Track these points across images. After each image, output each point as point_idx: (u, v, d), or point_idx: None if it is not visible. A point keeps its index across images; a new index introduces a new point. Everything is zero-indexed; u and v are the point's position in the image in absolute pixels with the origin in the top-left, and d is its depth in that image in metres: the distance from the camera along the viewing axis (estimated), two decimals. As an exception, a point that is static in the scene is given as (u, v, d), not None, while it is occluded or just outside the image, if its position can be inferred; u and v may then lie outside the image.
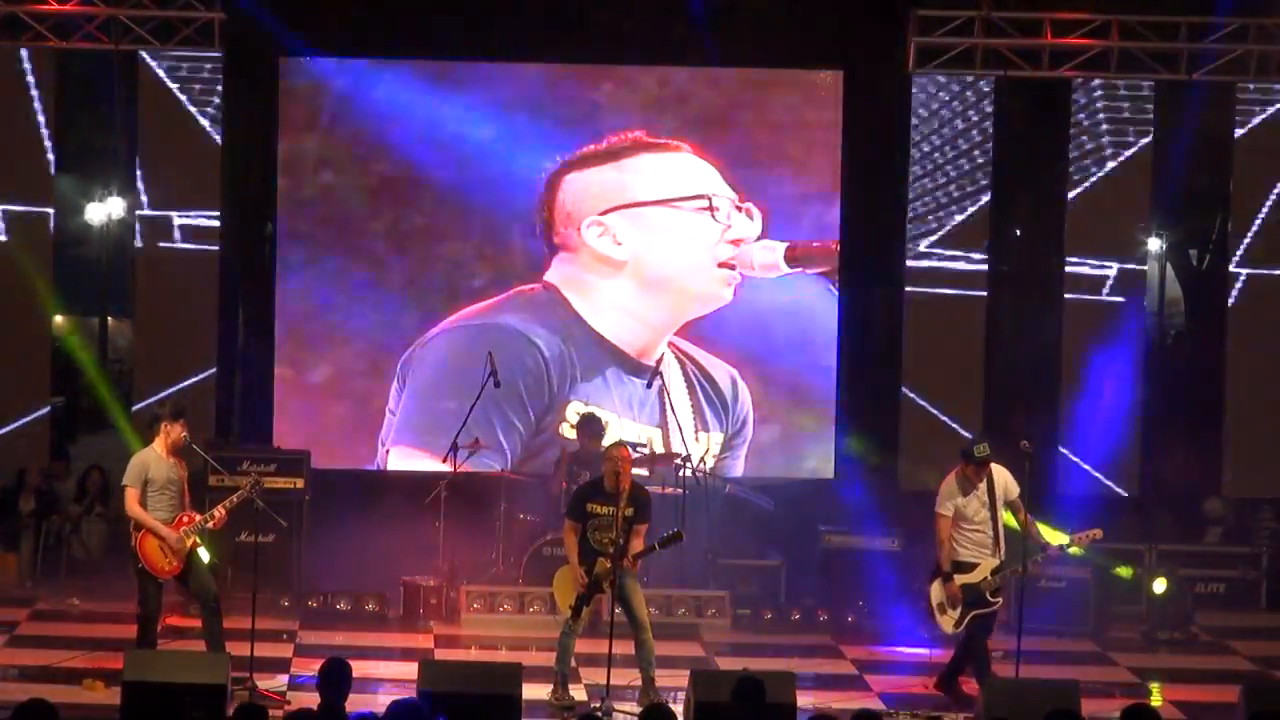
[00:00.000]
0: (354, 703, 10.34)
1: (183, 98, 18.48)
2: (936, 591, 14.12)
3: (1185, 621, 17.35)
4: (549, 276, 18.70)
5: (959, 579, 14.00)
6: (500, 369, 17.50)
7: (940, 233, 19.37)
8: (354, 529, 17.46)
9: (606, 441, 16.82)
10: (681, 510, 16.77)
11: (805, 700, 12.91)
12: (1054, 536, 14.12)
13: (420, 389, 18.54)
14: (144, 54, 18.44)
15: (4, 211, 18.42)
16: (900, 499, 18.26)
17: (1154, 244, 19.50)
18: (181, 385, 18.07)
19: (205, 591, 14.06)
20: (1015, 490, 14.11)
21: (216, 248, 18.66)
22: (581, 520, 14.07)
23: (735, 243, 18.62)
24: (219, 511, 14.08)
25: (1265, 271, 19.52)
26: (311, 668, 12.44)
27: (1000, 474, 14.07)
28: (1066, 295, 19.26)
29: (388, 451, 18.56)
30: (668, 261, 18.67)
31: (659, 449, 18.39)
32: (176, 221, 18.51)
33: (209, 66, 18.47)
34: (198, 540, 14.06)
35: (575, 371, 18.63)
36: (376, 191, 18.76)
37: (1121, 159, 19.34)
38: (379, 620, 16.90)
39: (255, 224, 18.81)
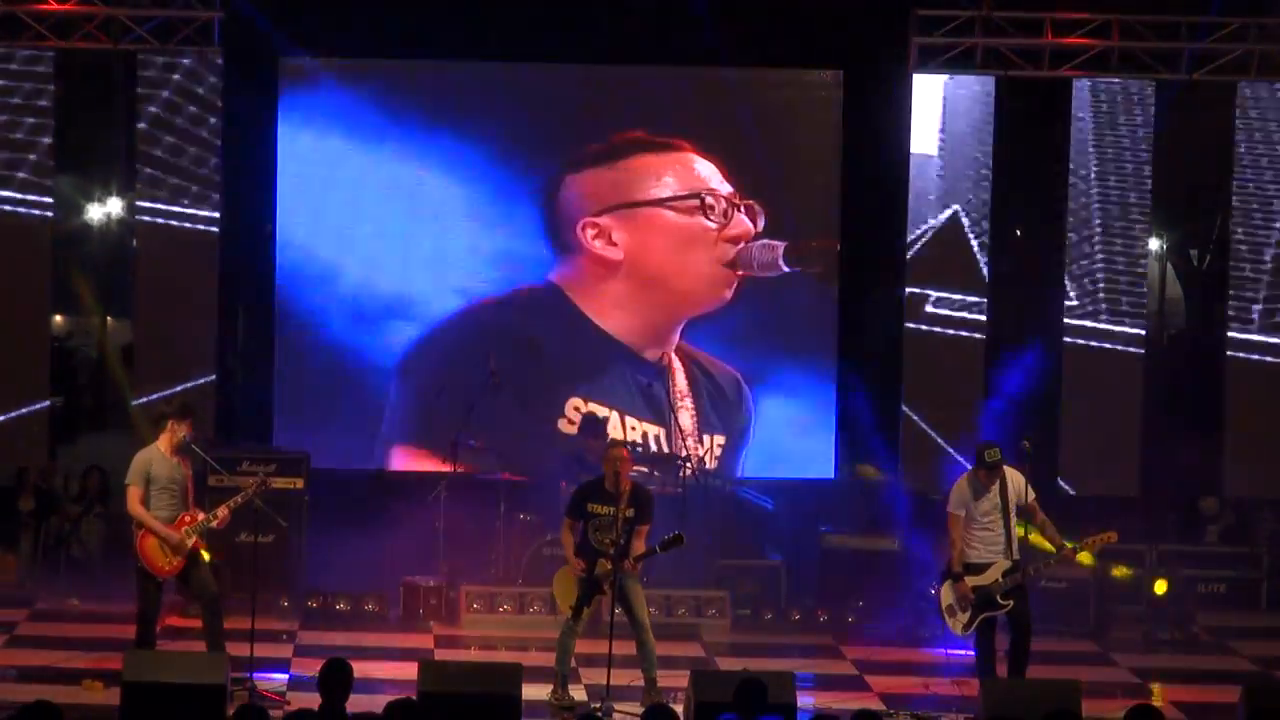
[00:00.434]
0: (354, 703, 10.33)
1: (182, 98, 18.45)
2: (947, 593, 14.08)
3: (1186, 621, 17.35)
4: (552, 276, 18.72)
5: (970, 580, 13.95)
6: (500, 369, 17.50)
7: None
8: (354, 529, 17.45)
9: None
10: (682, 510, 16.76)
11: (805, 700, 12.90)
12: (1067, 540, 14.07)
13: (420, 389, 18.54)
14: (143, 53, 18.42)
15: (4, 211, 18.38)
16: (900, 499, 18.26)
17: (1154, 244, 19.50)
18: (181, 385, 18.03)
19: (205, 592, 14.05)
20: (1030, 494, 14.07)
21: (216, 247, 18.64)
22: (581, 519, 14.07)
23: (734, 241, 18.63)
24: (222, 511, 14.06)
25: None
26: (311, 668, 12.42)
27: (1014, 477, 14.02)
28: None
29: (389, 453, 18.55)
30: (662, 261, 18.68)
31: (662, 448, 18.40)
32: (176, 221, 18.49)
33: (209, 66, 18.43)
34: (200, 540, 14.06)
35: (577, 370, 18.64)
36: (375, 192, 18.76)
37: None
38: (379, 620, 16.90)
39: (254, 223, 18.80)
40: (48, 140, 18.46)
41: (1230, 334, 19.26)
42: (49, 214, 18.57)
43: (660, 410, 18.56)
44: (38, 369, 18.81)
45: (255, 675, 13.82)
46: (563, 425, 18.53)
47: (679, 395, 18.62)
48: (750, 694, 10.51)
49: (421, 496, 17.47)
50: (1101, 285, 19.14)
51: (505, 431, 18.22)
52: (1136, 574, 17.56)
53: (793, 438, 18.99)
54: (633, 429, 18.52)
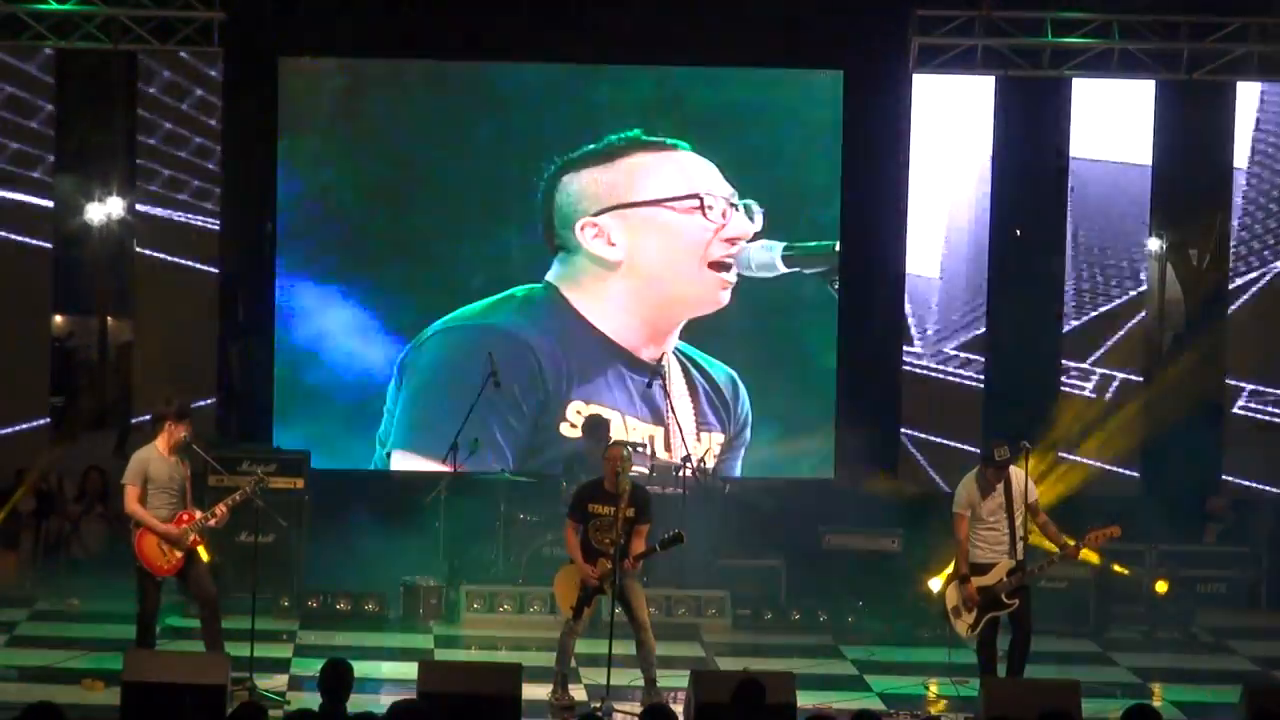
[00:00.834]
0: (354, 703, 10.33)
1: (182, 98, 18.45)
2: (953, 594, 14.06)
3: (1186, 621, 17.36)
4: (549, 276, 18.71)
5: (975, 581, 13.93)
6: (499, 369, 17.51)
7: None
8: (354, 529, 17.46)
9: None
10: (682, 510, 16.76)
11: (805, 700, 12.90)
12: (1070, 538, 14.07)
13: (419, 390, 18.53)
14: (143, 53, 18.42)
15: (4, 211, 18.38)
16: (900, 499, 18.26)
17: (1154, 244, 19.50)
18: (181, 385, 18.02)
19: (205, 591, 14.05)
20: (1034, 493, 14.07)
21: (216, 247, 18.63)
22: (583, 520, 14.06)
23: (731, 241, 18.62)
24: (220, 509, 14.06)
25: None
26: (312, 668, 12.43)
27: (1018, 476, 14.01)
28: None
29: (389, 454, 18.56)
30: (660, 262, 18.67)
31: (660, 449, 18.41)
32: (176, 221, 18.49)
33: (209, 66, 18.43)
34: (199, 539, 14.06)
35: (576, 371, 18.63)
36: (376, 191, 18.77)
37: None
38: (379, 620, 16.89)
39: (255, 224, 18.80)
40: (48, 140, 18.45)
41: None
42: (49, 214, 18.56)
43: (658, 411, 18.56)
44: (38, 369, 18.80)
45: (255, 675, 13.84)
46: (564, 429, 18.52)
47: (677, 395, 18.61)
48: (750, 694, 10.50)
49: (421, 496, 17.47)
50: (1100, 283, 19.14)
51: (505, 431, 18.23)
52: (1136, 574, 17.57)
53: (793, 438, 18.99)
54: (633, 430, 18.52)
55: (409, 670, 12.89)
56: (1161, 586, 17.34)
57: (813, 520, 17.87)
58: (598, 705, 13.62)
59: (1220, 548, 18.69)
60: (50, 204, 18.56)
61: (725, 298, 18.65)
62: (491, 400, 17.80)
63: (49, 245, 18.58)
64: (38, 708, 8.98)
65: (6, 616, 16.59)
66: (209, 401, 18.27)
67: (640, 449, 18.06)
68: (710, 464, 18.63)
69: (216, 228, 18.58)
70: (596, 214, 18.63)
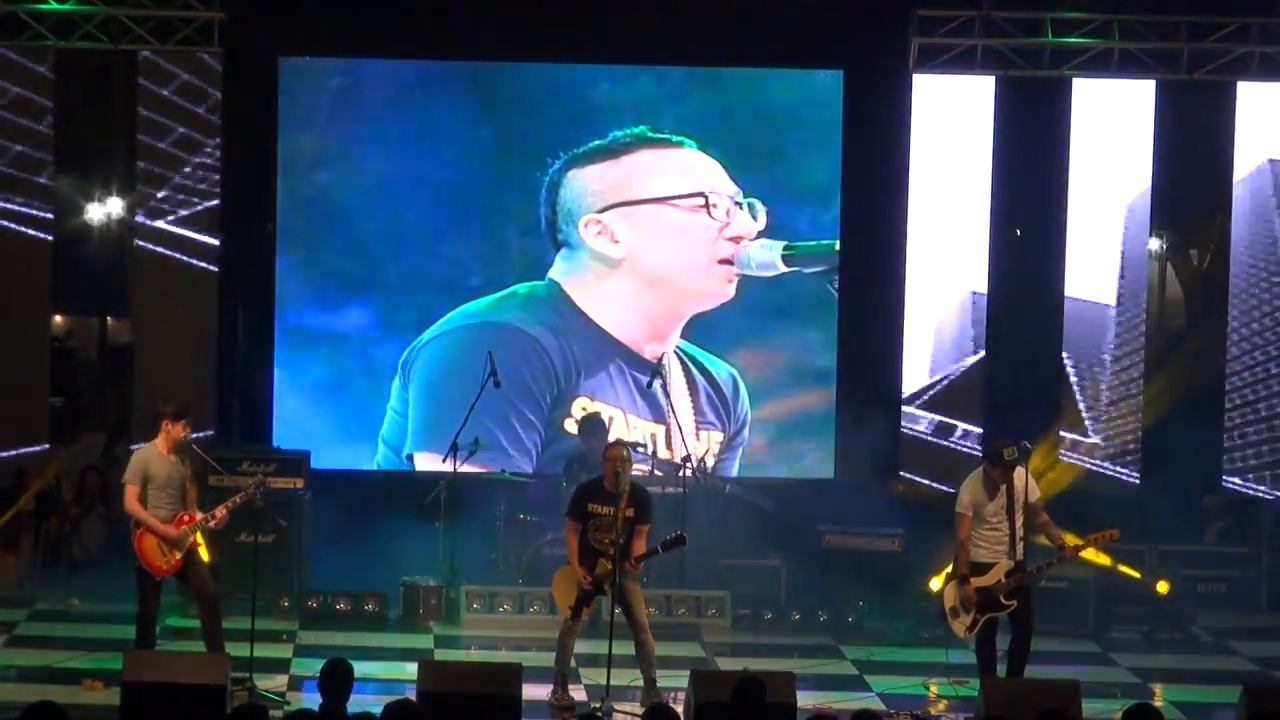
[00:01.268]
0: (354, 703, 10.33)
1: (182, 98, 18.45)
2: (951, 594, 14.04)
3: (1186, 621, 17.35)
4: (553, 273, 18.72)
5: (974, 581, 13.91)
6: (507, 367, 17.52)
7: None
8: (354, 529, 17.45)
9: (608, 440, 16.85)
10: (682, 510, 16.76)
11: (805, 700, 12.90)
12: (1070, 538, 14.06)
13: (430, 390, 18.50)
14: (144, 53, 18.42)
15: (4, 211, 18.38)
16: (900, 499, 18.25)
17: (1154, 244, 19.50)
18: (181, 385, 18.02)
19: (205, 591, 14.04)
20: (1036, 493, 14.05)
21: (216, 247, 18.63)
22: (582, 520, 14.05)
23: (734, 240, 18.62)
24: (220, 511, 14.06)
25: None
26: (312, 668, 12.42)
27: (1022, 476, 13.98)
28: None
29: (409, 456, 18.52)
30: (664, 259, 18.67)
31: (660, 447, 18.40)
32: (176, 221, 18.49)
33: (209, 66, 18.42)
34: (199, 539, 14.06)
35: (580, 367, 18.64)
36: (375, 191, 18.76)
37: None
38: (379, 620, 16.89)
39: (254, 224, 18.80)
40: (47, 140, 18.44)
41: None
42: (49, 214, 18.56)
43: (659, 409, 18.56)
44: (38, 370, 18.79)
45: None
46: (568, 425, 18.52)
47: (677, 394, 18.61)
48: (750, 694, 10.50)
49: (421, 496, 17.47)
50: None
51: (526, 428, 18.22)
52: (1145, 576, 17.55)
53: (793, 438, 18.98)
54: (634, 428, 18.52)
55: (409, 670, 12.89)
56: (1162, 587, 17.32)
57: (813, 520, 17.86)
58: (598, 705, 13.62)
59: (1220, 548, 18.68)
60: (50, 203, 18.55)
61: (731, 290, 18.66)
62: (506, 398, 17.79)
63: (49, 245, 18.58)
64: (38, 708, 8.98)
65: (6, 616, 16.58)
66: (208, 402, 18.25)
67: (641, 449, 18.06)
68: (710, 463, 18.63)
69: (216, 227, 18.57)
70: (600, 211, 18.63)
